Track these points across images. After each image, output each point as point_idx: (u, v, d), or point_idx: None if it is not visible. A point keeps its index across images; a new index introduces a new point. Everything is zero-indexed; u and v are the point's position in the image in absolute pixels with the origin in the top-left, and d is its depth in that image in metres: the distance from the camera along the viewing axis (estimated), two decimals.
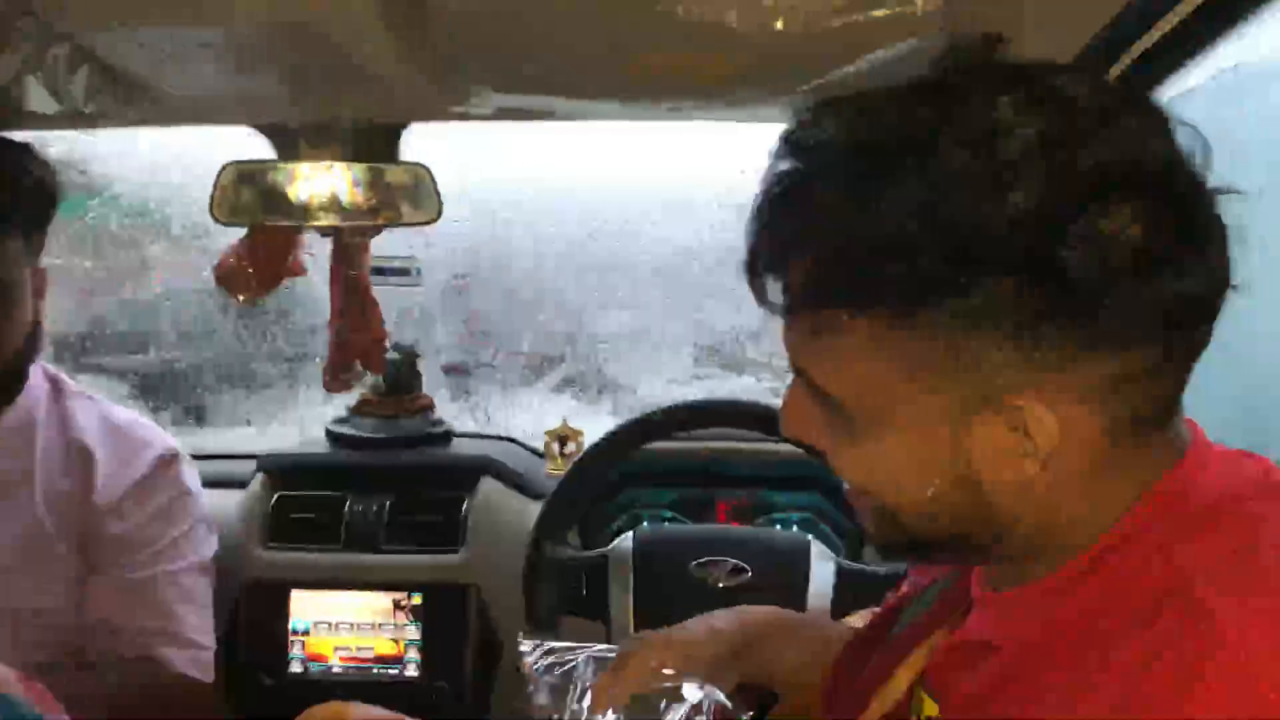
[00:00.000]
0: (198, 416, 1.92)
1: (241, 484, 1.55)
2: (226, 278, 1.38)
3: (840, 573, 1.19)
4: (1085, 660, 0.54)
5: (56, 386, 1.31)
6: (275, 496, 1.50)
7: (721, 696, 0.71)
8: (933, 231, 0.50)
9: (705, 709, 0.69)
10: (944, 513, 0.57)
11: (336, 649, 1.43)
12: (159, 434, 1.33)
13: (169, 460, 1.29)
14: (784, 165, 0.57)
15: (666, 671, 0.72)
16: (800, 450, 1.30)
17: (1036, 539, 0.58)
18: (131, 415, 1.33)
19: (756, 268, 0.58)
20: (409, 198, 1.39)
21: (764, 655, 0.80)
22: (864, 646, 0.72)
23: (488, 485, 1.51)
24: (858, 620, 0.88)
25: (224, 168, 1.33)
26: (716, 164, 1.80)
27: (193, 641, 1.24)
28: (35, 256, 1.23)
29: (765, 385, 1.82)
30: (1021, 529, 0.57)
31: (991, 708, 0.58)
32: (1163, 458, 0.57)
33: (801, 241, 0.55)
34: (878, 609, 0.89)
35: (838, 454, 0.60)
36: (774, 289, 0.57)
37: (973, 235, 0.50)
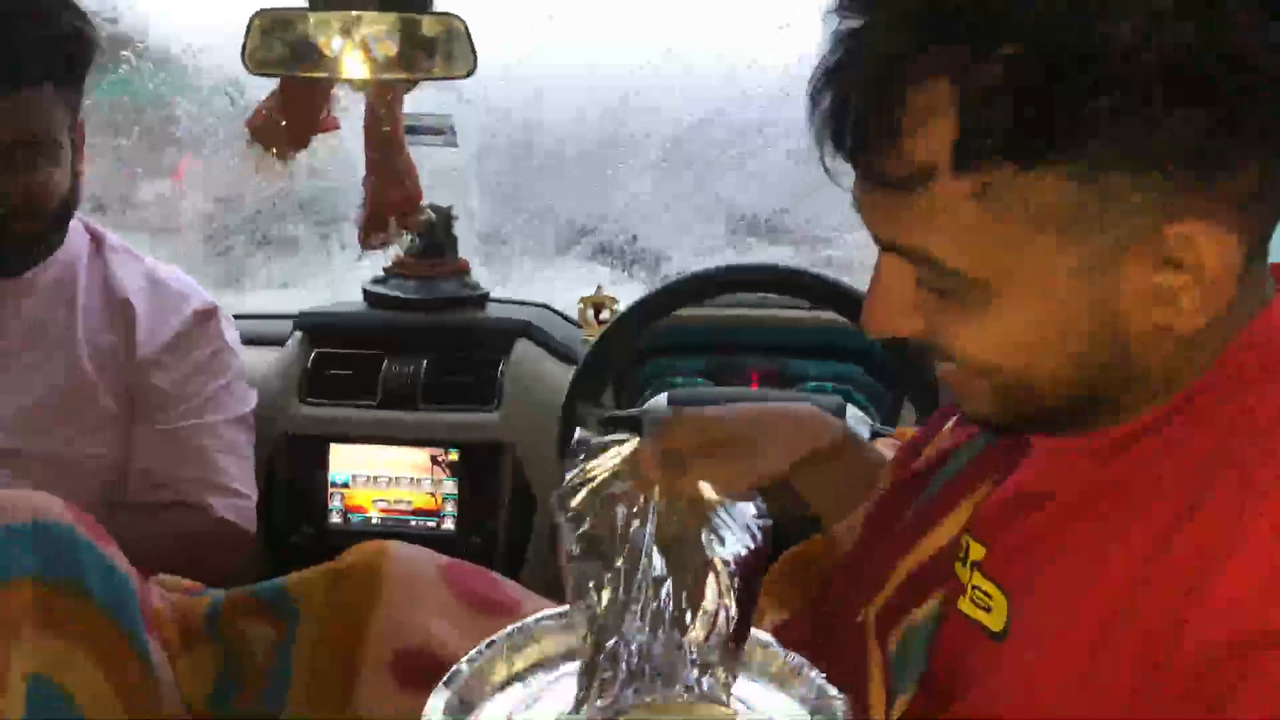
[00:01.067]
0: (234, 279, 1.93)
1: (279, 342, 1.57)
2: (260, 131, 1.37)
3: (875, 437, 1.19)
4: (1132, 508, 0.54)
5: (97, 241, 1.32)
6: (313, 354, 1.51)
7: (760, 523, 0.69)
8: (1086, 56, 0.47)
9: (753, 534, 0.68)
10: (1081, 374, 0.55)
11: (375, 501, 1.46)
12: (197, 289, 1.34)
13: (207, 314, 1.30)
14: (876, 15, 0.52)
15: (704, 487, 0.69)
16: (836, 318, 1.31)
17: (1150, 389, 0.56)
18: (171, 270, 1.34)
19: (851, 134, 0.53)
20: (443, 50, 1.36)
21: (814, 475, 0.80)
22: (904, 494, 0.72)
23: (523, 348, 1.52)
24: (885, 447, 0.87)
25: (254, 16, 1.30)
26: (751, 23, 1.74)
27: (233, 490, 1.27)
28: (74, 110, 1.22)
29: (802, 256, 1.79)
30: (1151, 380, 0.55)
31: (1040, 551, 0.58)
32: (1260, 294, 0.56)
33: (927, 94, 0.51)
34: (899, 440, 0.89)
35: (953, 335, 0.57)
36: (875, 157, 0.53)
37: (1128, 52, 0.47)
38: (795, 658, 0.67)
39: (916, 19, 0.51)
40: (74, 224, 1.29)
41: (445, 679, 0.67)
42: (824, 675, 0.65)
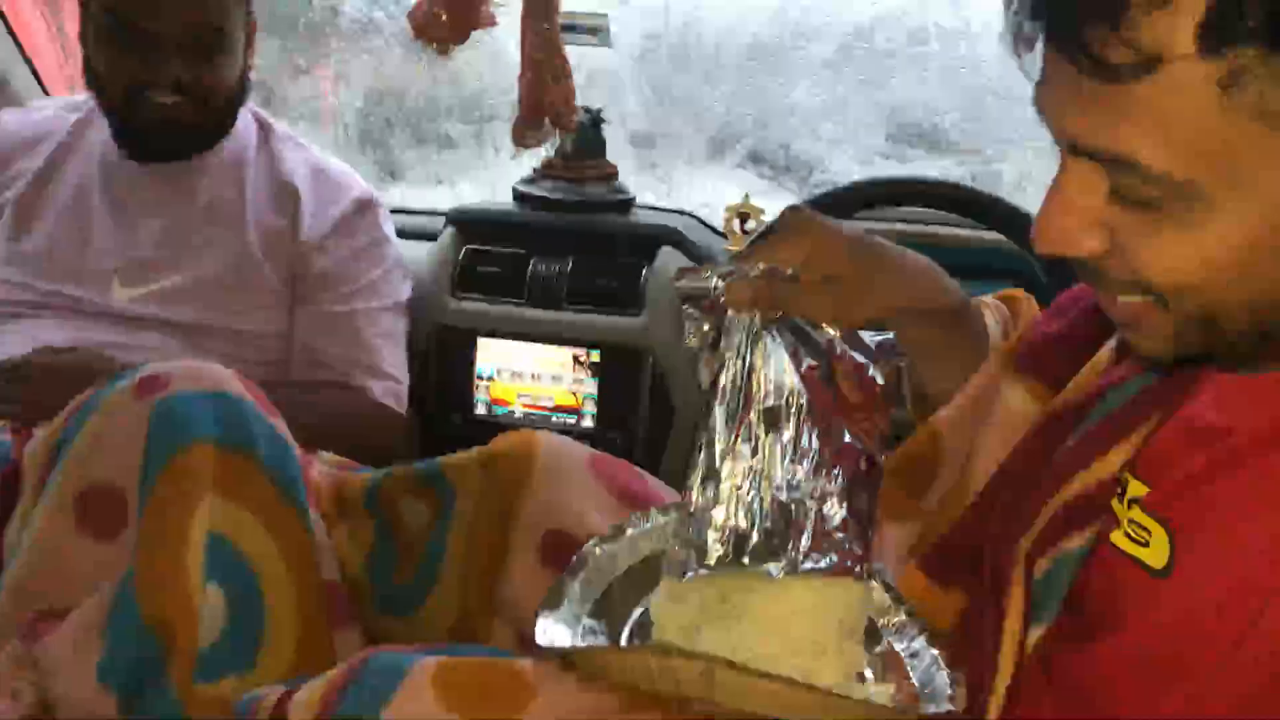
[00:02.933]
0: (390, 173, 1.99)
1: (432, 237, 1.61)
2: (421, 25, 1.38)
3: None
4: None
5: (265, 128, 1.37)
6: (464, 249, 1.55)
7: (858, 355, 0.67)
8: None
9: (840, 356, 0.66)
10: (1275, 296, 0.51)
11: (519, 395, 1.51)
12: (358, 179, 1.38)
13: (367, 203, 1.35)
14: None
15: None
16: (999, 238, 1.26)
17: None
18: (334, 160, 1.39)
19: (1064, 15, 0.49)
20: None
21: (921, 335, 0.77)
22: (1060, 426, 0.69)
23: (668, 255, 1.52)
24: (989, 310, 0.83)
25: None
26: None
27: (389, 374, 1.33)
28: (247, 4, 1.26)
29: (966, 169, 1.71)
30: None
31: (1209, 488, 0.56)
32: None
33: None
34: (1002, 303, 0.85)
35: (1144, 254, 0.53)
36: (1096, 39, 0.48)
37: None
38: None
39: None
40: (243, 112, 1.35)
41: (571, 565, 0.69)
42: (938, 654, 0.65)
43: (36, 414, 1.09)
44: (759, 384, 0.64)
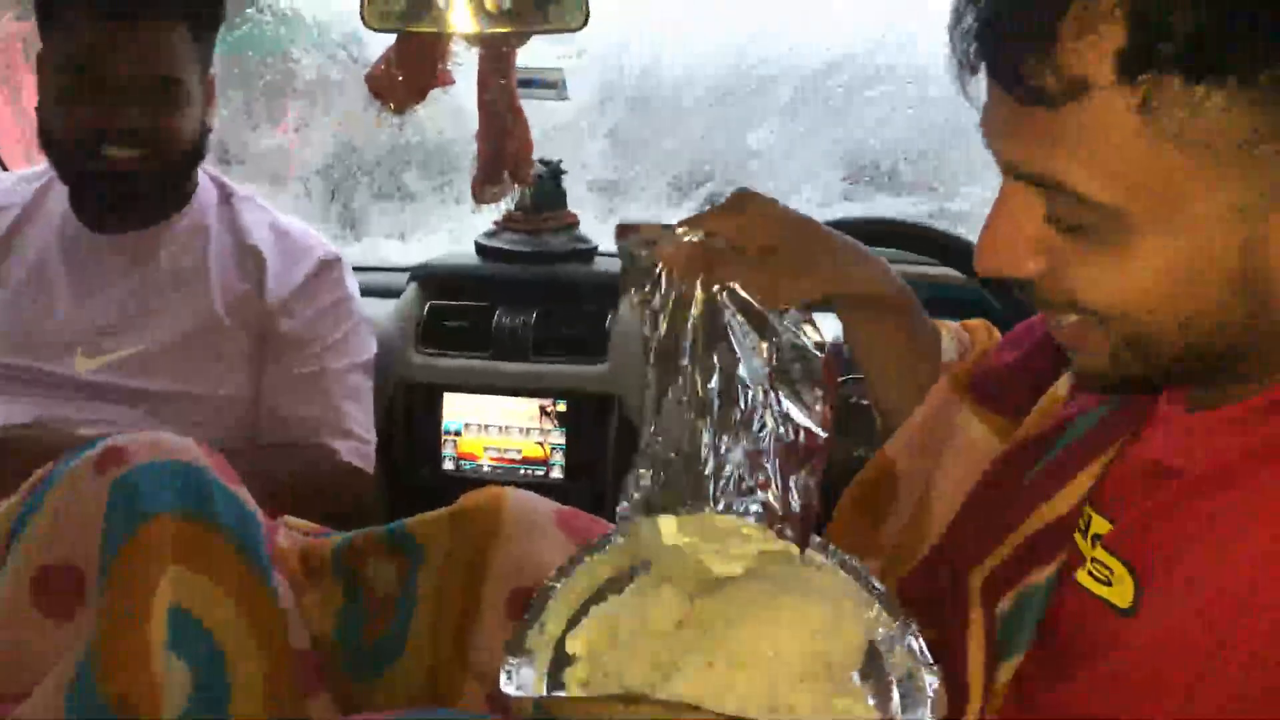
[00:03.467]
0: (352, 227, 1.99)
1: (395, 293, 1.61)
2: (378, 86, 1.39)
3: None
4: (1274, 482, 0.51)
5: (224, 190, 1.37)
6: (428, 304, 1.55)
7: (809, 339, 0.68)
8: None
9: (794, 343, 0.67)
10: (1213, 326, 0.52)
11: (486, 449, 1.50)
12: (321, 239, 1.39)
13: (330, 263, 1.35)
14: None
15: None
16: (955, 274, 1.28)
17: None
18: (295, 220, 1.39)
19: (1001, 41, 0.50)
20: (556, 4, 1.35)
21: (866, 328, 0.78)
22: (1020, 457, 0.70)
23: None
24: (947, 332, 0.84)
25: None
26: None
27: (355, 434, 1.32)
28: (205, 60, 1.27)
29: (923, 208, 1.74)
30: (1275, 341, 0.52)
31: (1167, 526, 0.56)
32: None
33: None
34: (964, 330, 0.86)
35: (1079, 277, 0.53)
36: (1025, 67, 0.49)
37: None
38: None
39: None
40: (202, 177, 1.35)
41: (531, 604, 0.68)
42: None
43: None
44: (690, 344, 0.67)
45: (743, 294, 0.69)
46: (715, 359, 0.67)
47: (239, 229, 1.34)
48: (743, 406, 0.66)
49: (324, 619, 1.02)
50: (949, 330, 0.85)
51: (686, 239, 0.69)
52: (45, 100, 1.26)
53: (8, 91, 1.76)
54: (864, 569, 0.69)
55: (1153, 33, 0.47)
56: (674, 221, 0.71)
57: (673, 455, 0.66)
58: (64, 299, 1.29)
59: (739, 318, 0.68)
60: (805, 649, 0.62)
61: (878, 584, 0.68)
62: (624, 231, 0.72)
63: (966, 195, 1.74)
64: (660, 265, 0.69)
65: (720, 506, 0.66)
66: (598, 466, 1.48)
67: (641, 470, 0.67)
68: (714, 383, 0.67)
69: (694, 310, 0.67)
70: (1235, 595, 0.52)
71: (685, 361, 0.67)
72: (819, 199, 1.83)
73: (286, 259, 1.33)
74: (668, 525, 0.66)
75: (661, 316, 0.68)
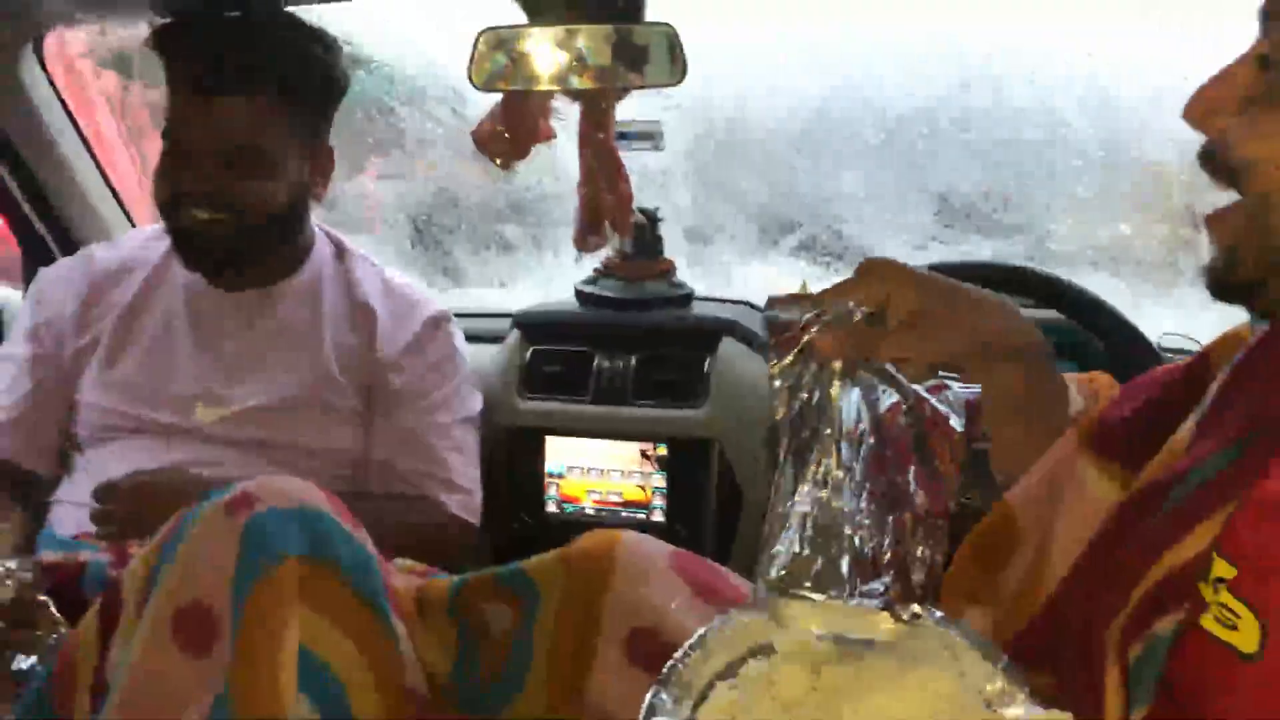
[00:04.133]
0: (454, 277, 2.06)
1: (497, 339, 1.65)
2: (484, 142, 1.44)
3: None
4: None
5: (339, 249, 1.44)
6: (530, 351, 1.59)
7: (941, 405, 0.68)
8: None
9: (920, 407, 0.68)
10: None
11: (588, 492, 1.53)
12: (429, 298, 1.44)
13: (439, 320, 1.40)
14: None
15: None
16: (1055, 315, 1.26)
17: None
18: (405, 279, 1.45)
19: None
20: (655, 58, 1.39)
21: (995, 377, 0.77)
22: (1143, 505, 0.69)
23: (729, 345, 1.54)
24: (1074, 384, 0.83)
25: (479, 34, 1.38)
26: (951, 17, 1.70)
27: (462, 487, 1.36)
28: (302, 130, 1.32)
29: (1018, 249, 1.72)
30: None
31: None
32: None
33: None
34: (1090, 379, 0.85)
35: (1258, 123, 0.56)
36: None
37: None
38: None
39: None
40: (319, 234, 1.41)
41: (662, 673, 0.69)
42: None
43: (131, 533, 1.14)
44: (831, 419, 0.66)
45: (887, 366, 0.69)
46: (856, 431, 0.67)
47: (351, 285, 1.40)
48: (879, 482, 0.66)
49: (440, 659, 1.04)
50: (1075, 382, 0.84)
51: (835, 311, 0.70)
52: (158, 165, 1.34)
53: (129, 138, 1.87)
54: (987, 642, 0.69)
55: None
56: (811, 289, 0.72)
57: (809, 533, 0.65)
58: (188, 354, 1.36)
59: (882, 388, 0.68)
60: (932, 715, 0.62)
61: (1002, 655, 0.68)
62: (772, 303, 0.72)
63: (1061, 237, 1.72)
64: (805, 338, 0.68)
65: (848, 590, 0.65)
66: (699, 509, 1.49)
67: (777, 549, 0.66)
68: (851, 457, 0.66)
69: (835, 386, 0.67)
70: None
71: (826, 434, 0.66)
72: (912, 242, 1.83)
73: (397, 316, 1.38)
74: (801, 608, 0.66)
75: (803, 391, 0.67)
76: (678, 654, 0.70)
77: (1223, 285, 0.60)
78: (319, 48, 1.32)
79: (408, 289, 1.43)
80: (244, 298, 1.37)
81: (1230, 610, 0.58)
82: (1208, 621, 0.59)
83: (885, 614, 0.65)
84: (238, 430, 1.32)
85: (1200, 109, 0.58)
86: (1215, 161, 0.59)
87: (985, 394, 0.78)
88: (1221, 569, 0.60)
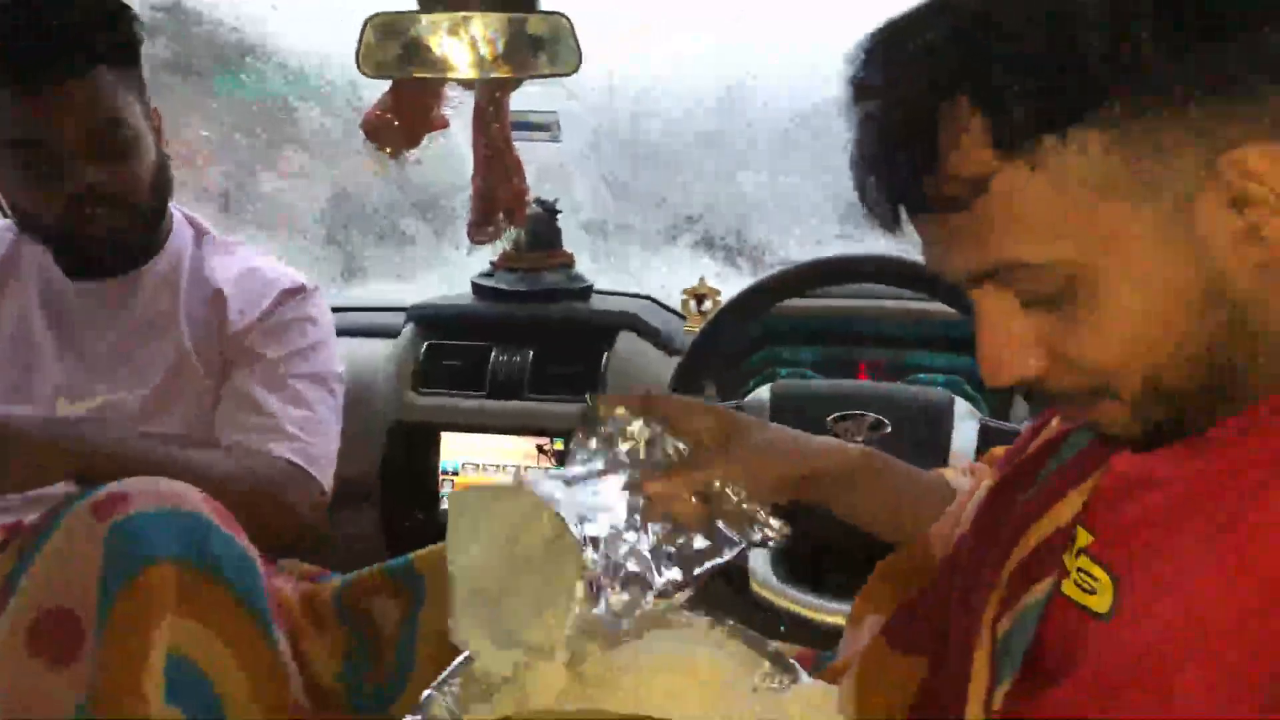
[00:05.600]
0: (353, 271, 2.01)
1: (393, 334, 1.62)
2: (374, 131, 1.41)
3: (984, 430, 1.17)
4: (1248, 499, 0.53)
5: (199, 232, 1.34)
6: (425, 345, 1.56)
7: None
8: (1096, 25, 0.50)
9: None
10: (1207, 345, 0.54)
11: None
12: (290, 273, 1.33)
13: (294, 290, 1.30)
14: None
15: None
16: (948, 310, 1.29)
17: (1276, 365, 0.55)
18: (267, 259, 1.35)
19: (905, 189, 0.56)
20: (549, 48, 1.38)
21: (848, 492, 0.80)
22: (1011, 490, 0.71)
23: (627, 339, 1.54)
24: (953, 474, 0.86)
25: (367, 21, 1.35)
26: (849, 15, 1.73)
27: (295, 435, 1.24)
28: (140, 94, 1.22)
29: (915, 248, 1.75)
30: (1267, 342, 0.55)
31: (1147, 533, 0.58)
32: None
33: (952, 114, 0.53)
34: (975, 464, 0.88)
35: (1072, 349, 0.56)
36: (931, 189, 0.54)
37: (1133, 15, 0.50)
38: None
39: (923, 73, 0.54)
40: (179, 220, 1.32)
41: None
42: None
43: None
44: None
45: (730, 495, 0.74)
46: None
47: (207, 272, 1.31)
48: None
49: (329, 662, 1.01)
50: (959, 470, 0.87)
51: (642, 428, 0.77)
52: (6, 184, 1.23)
53: None
54: (758, 636, 0.74)
55: (1005, 113, 0.52)
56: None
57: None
58: (46, 348, 1.27)
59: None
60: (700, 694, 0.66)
61: (770, 645, 0.73)
62: (595, 401, 0.78)
63: None
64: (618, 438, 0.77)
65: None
66: None
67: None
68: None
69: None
70: (1209, 603, 0.53)
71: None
72: (812, 239, 1.85)
73: (250, 295, 1.29)
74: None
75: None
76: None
77: (1143, 444, 0.61)
78: (113, 5, 1.21)
79: (268, 268, 1.33)
80: (103, 288, 1.29)
81: (1089, 575, 0.60)
82: (1068, 587, 0.61)
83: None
84: (97, 420, 1.23)
85: (1000, 372, 0.58)
86: (1054, 392, 0.59)
87: (842, 514, 0.82)
88: (1083, 537, 0.62)
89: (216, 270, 1.31)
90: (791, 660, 0.73)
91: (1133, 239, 0.53)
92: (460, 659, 0.71)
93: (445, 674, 0.70)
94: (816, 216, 1.89)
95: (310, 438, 1.26)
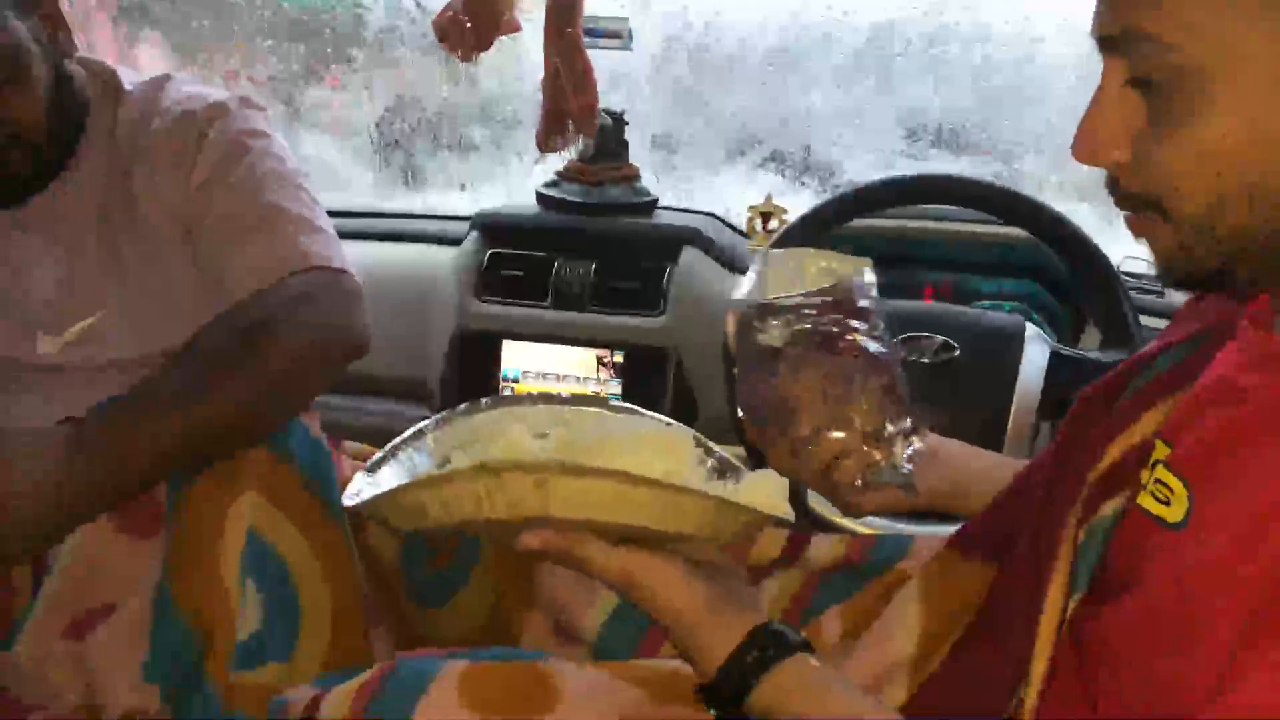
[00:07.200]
0: (414, 178, 2.01)
1: (456, 241, 1.62)
2: (445, 32, 1.40)
3: (1055, 357, 1.15)
4: None
5: (115, 90, 1.14)
6: (488, 253, 1.56)
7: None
8: None
9: None
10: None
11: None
12: (212, 92, 1.14)
13: (221, 106, 1.11)
14: None
15: None
16: (1017, 234, 1.26)
17: None
18: (193, 89, 1.15)
19: None
20: None
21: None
22: (1098, 405, 0.70)
23: (690, 255, 1.53)
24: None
25: None
26: None
27: (320, 227, 1.08)
28: (18, 8, 1.03)
29: (987, 169, 1.71)
30: None
31: (1228, 445, 0.57)
32: None
33: None
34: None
35: (1153, 147, 0.56)
36: None
37: None
38: None
39: None
40: (85, 87, 1.12)
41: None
42: None
43: None
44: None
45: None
46: None
47: (132, 132, 1.11)
48: None
49: (388, 549, 1.04)
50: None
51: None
52: None
53: None
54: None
55: None
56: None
57: None
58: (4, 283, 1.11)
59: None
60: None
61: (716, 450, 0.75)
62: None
63: (1030, 159, 1.71)
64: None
65: None
66: None
67: None
68: None
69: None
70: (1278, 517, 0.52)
71: None
72: (879, 160, 1.81)
73: (174, 145, 1.08)
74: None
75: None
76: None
77: (1182, 285, 0.61)
78: None
79: (187, 99, 1.12)
80: (28, 214, 1.11)
81: (1165, 485, 0.60)
82: (1144, 499, 0.61)
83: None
84: (92, 350, 1.11)
85: (1088, 147, 0.59)
86: (1121, 192, 0.59)
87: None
88: (1160, 450, 0.61)
89: (142, 121, 1.11)
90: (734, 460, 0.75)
91: (1249, 58, 0.52)
92: (461, 407, 0.78)
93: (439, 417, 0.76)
94: (884, 137, 1.85)
95: (330, 230, 1.09)
